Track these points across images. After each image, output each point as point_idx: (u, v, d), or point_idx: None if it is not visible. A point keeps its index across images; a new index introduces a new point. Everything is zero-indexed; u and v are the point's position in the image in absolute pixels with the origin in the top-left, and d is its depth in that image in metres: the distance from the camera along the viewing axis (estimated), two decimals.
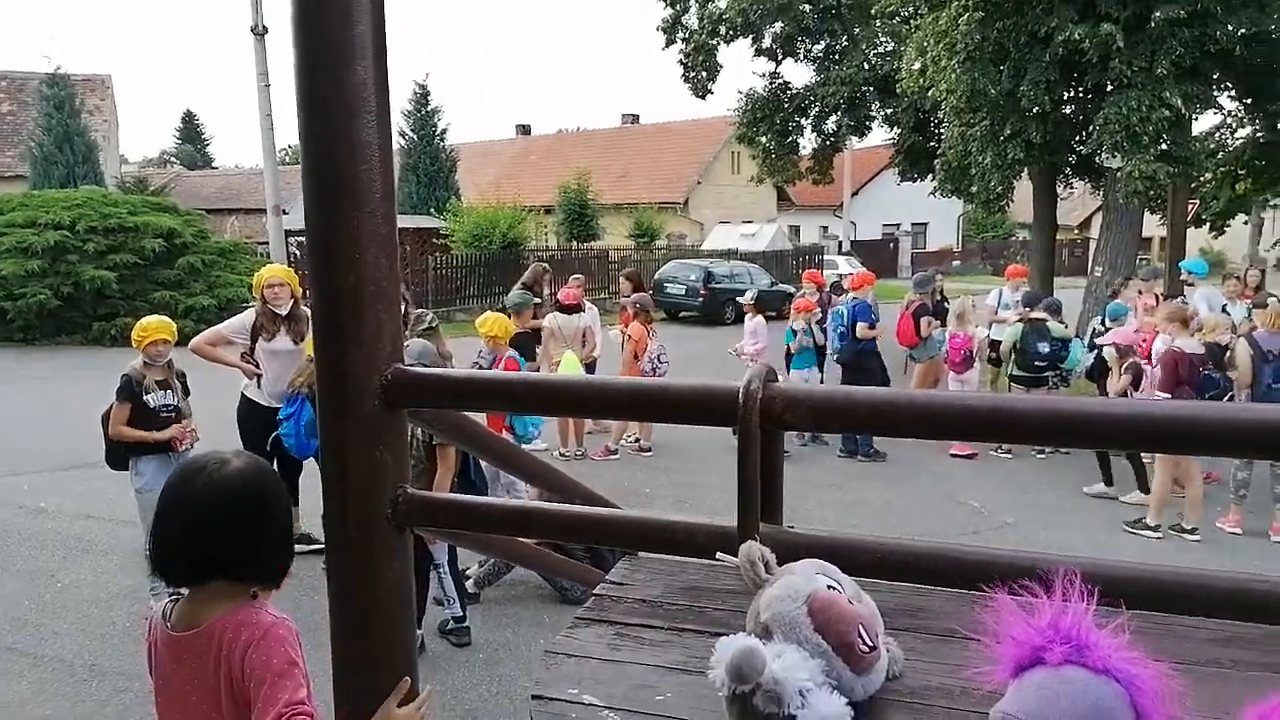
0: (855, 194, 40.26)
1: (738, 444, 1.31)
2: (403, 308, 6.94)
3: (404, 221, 26.39)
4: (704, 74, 20.42)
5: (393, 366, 1.53)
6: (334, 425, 1.53)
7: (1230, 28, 10.97)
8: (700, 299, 21.94)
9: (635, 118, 43.08)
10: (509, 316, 7.55)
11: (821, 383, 9.79)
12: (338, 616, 1.58)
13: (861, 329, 9.65)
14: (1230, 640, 1.02)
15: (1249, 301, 9.68)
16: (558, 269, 22.72)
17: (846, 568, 1.23)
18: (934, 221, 42.60)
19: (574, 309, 9.14)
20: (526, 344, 8.10)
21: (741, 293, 22.56)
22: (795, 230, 41.95)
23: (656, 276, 23.06)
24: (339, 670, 1.59)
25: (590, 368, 9.68)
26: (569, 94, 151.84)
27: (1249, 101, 14.75)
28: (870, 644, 0.96)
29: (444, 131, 29.42)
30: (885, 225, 41.99)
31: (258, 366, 5.92)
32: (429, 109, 29.11)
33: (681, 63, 20.61)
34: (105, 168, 24.50)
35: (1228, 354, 7.88)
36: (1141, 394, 7.71)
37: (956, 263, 42.30)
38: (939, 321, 10.31)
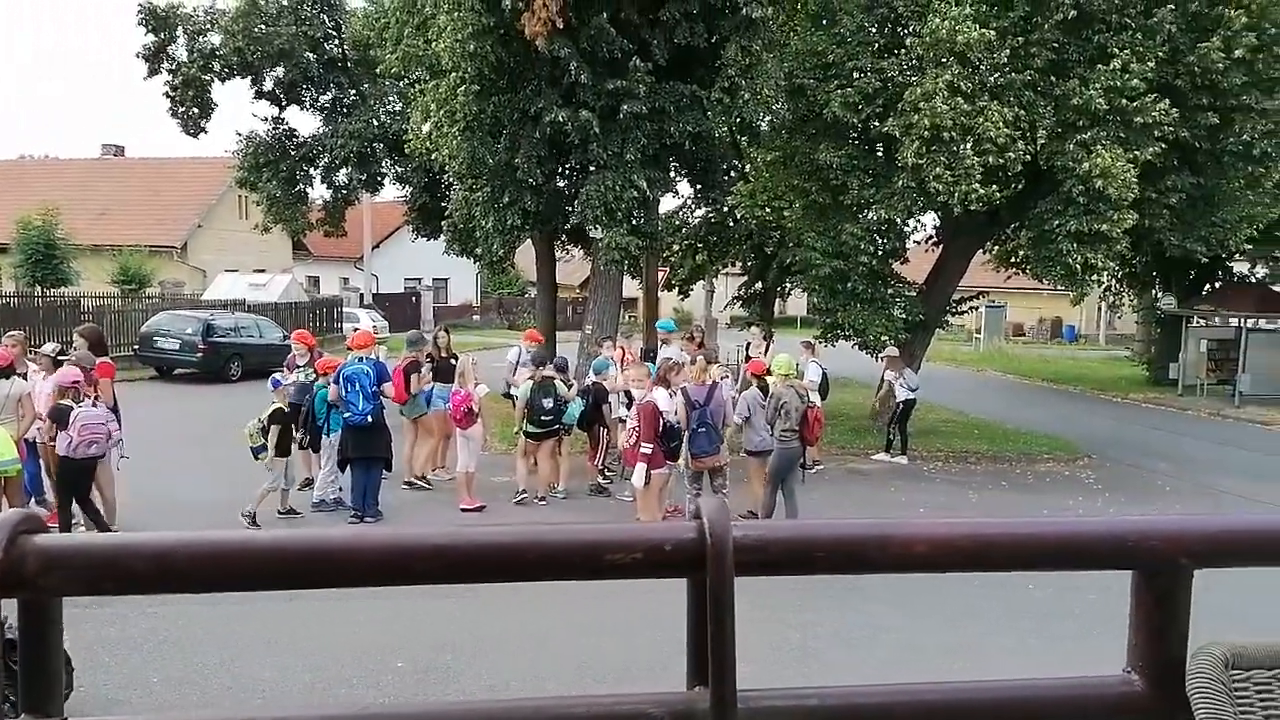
0: (377, 247, 39.91)
1: None
2: None
3: None
4: (196, 110, 18.66)
5: None
6: None
7: (682, 125, 12.95)
8: (199, 354, 19.80)
9: (120, 149, 38.02)
10: None
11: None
12: None
13: (387, 388, 9.62)
14: None
15: (699, 354, 11.54)
16: (11, 320, 18.90)
17: None
18: (455, 276, 43.87)
19: (1, 373, 7.53)
20: None
21: (249, 347, 21.02)
22: (315, 281, 40.23)
23: (144, 329, 20.36)
24: None
25: (31, 447, 8.06)
26: (34, 115, 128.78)
27: (699, 188, 17.61)
28: None
29: None
30: (408, 279, 42.19)
31: None
32: None
33: (169, 95, 18.61)
34: None
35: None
36: None
37: (476, 317, 43.99)
38: (434, 379, 10.64)
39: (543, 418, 9.98)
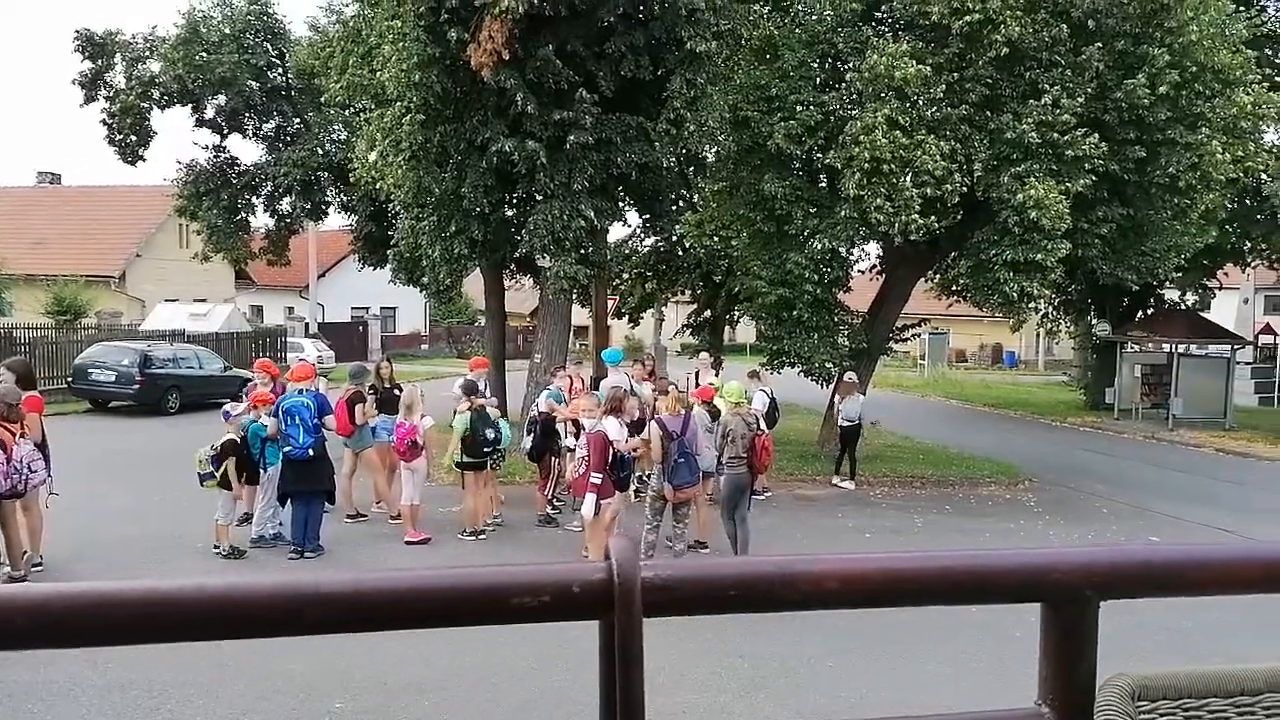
0: (322, 275, 39.34)
1: None
2: None
3: None
4: (134, 138, 18.29)
5: None
6: None
7: (628, 156, 13.04)
8: (136, 386, 19.28)
9: (56, 177, 37.13)
10: None
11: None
12: None
13: (329, 420, 9.48)
14: None
15: (649, 382, 11.56)
16: None
17: None
18: (403, 305, 43.40)
19: None
20: None
21: (189, 379, 20.50)
22: (258, 311, 39.48)
23: (78, 361, 19.79)
24: None
25: None
26: None
27: (648, 218, 17.72)
28: None
29: None
30: (355, 308, 41.65)
31: None
32: None
33: (106, 123, 18.23)
34: None
35: (643, 430, 9.23)
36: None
37: (425, 346, 43.56)
38: (377, 411, 10.51)
39: (484, 448, 9.85)
